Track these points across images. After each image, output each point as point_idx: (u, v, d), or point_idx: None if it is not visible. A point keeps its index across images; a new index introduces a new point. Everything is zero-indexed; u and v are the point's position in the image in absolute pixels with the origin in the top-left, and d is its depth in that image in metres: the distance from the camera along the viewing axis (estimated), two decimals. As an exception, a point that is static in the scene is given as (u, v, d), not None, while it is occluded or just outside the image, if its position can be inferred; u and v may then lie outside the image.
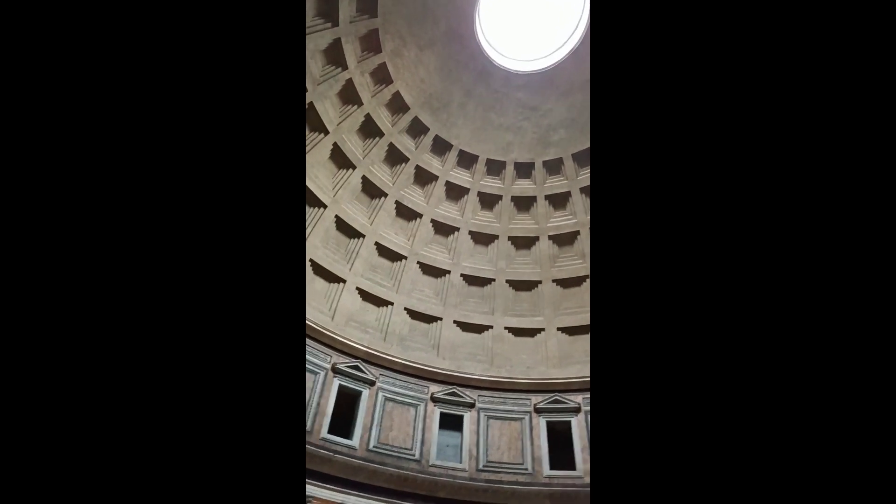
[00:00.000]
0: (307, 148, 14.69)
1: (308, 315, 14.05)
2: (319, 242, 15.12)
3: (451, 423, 14.89)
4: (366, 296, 15.86)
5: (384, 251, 16.58)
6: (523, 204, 17.87)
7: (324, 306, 14.88)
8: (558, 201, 17.66)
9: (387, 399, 14.57)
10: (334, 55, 14.23)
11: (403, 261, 16.78)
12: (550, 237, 17.48)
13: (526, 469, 13.80)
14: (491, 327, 16.71)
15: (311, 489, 12.08)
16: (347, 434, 13.53)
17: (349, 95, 15.06)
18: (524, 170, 17.78)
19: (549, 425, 14.59)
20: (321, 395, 13.52)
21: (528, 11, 20.31)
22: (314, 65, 13.94)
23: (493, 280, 17.34)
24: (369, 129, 15.93)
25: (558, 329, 16.35)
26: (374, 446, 13.58)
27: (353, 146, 15.76)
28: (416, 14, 14.40)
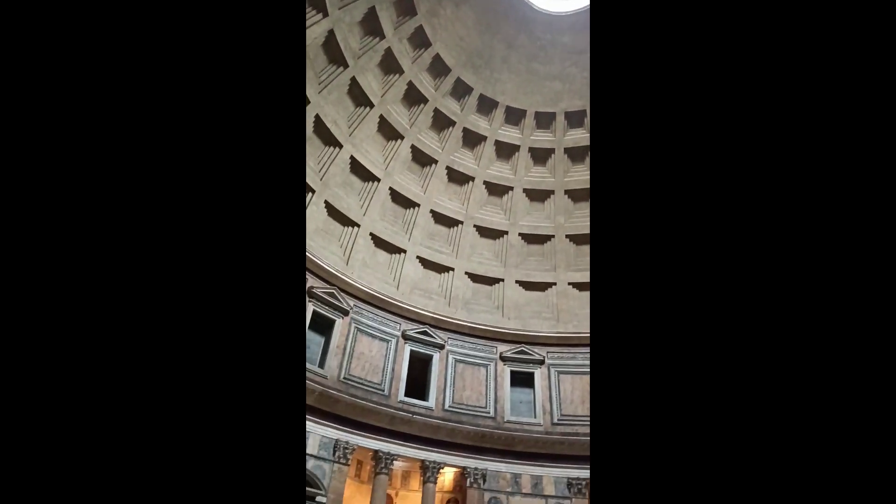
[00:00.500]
0: (354, 123, 14.84)
1: (374, 286, 14.60)
2: (377, 216, 15.44)
3: (521, 380, 15.14)
4: (427, 263, 16.15)
5: (440, 218, 16.68)
6: (577, 155, 17.17)
7: (388, 277, 15.35)
8: (615, 147, 16.79)
9: (457, 361, 14.99)
10: (371, 25, 14.05)
11: (460, 226, 16.82)
12: (609, 186, 16.75)
13: (601, 421, 13.83)
14: (554, 284, 16.54)
15: (396, 448, 12.87)
16: (423, 396, 14.14)
17: (390, 65, 14.91)
18: (576, 118, 16.98)
19: (622, 377, 14.43)
20: (395, 361, 14.15)
21: (566, -55, 18.83)
22: (352, 38, 13.86)
23: (553, 236, 17.02)
24: (413, 97, 15.77)
25: (624, 280, 15.88)
26: (449, 406, 14.13)
27: (399, 116, 15.71)
28: (448, -32, 13.83)
